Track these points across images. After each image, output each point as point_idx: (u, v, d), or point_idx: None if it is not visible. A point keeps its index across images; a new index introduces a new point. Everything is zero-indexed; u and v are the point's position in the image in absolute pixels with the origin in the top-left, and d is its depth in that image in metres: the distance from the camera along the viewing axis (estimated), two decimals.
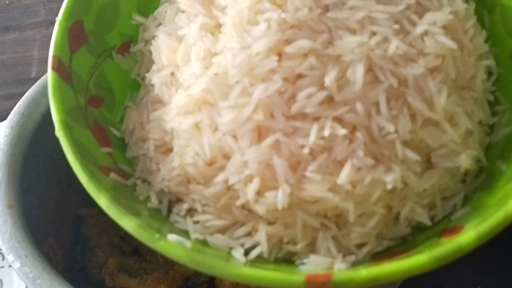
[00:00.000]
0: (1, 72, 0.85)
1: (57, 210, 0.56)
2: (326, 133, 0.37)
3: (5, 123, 0.52)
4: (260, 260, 0.38)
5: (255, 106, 0.38)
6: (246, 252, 0.38)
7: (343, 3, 0.39)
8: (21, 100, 0.53)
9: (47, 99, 0.53)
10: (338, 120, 0.38)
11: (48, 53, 0.69)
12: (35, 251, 0.43)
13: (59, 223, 0.56)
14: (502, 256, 0.64)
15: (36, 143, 0.52)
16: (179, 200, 0.42)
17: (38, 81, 0.54)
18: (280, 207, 0.37)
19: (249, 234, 0.39)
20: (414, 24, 0.39)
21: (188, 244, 0.36)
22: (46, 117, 0.52)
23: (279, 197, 0.37)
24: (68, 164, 0.57)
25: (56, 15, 0.93)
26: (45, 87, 0.52)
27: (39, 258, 0.43)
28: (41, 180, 0.53)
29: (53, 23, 0.93)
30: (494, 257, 0.64)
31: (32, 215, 0.48)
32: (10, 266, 0.61)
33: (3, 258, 0.64)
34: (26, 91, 0.53)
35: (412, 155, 0.38)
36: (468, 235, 0.35)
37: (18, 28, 0.89)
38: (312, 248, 0.39)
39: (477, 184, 0.42)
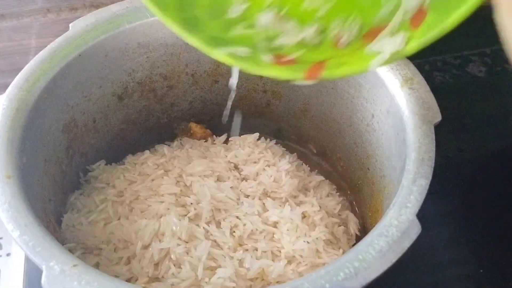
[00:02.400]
0: None
1: (57, 188, 0.55)
2: None
3: (3, 96, 0.51)
4: None
5: None
6: None
7: None
8: (19, 73, 0.52)
9: (46, 74, 0.52)
10: None
11: (45, 42, 0.69)
12: (34, 221, 0.42)
13: (59, 202, 0.56)
14: (504, 239, 0.64)
15: (35, 118, 0.51)
16: None
17: (37, 55, 0.54)
18: None
19: None
20: None
21: None
22: (45, 92, 0.52)
23: None
24: (66, 142, 0.57)
25: (53, 2, 0.92)
26: (44, 62, 0.52)
27: (39, 228, 0.42)
28: (40, 156, 0.52)
29: (50, 11, 0.92)
30: (496, 240, 0.64)
31: (32, 189, 0.48)
32: (7, 255, 0.62)
33: (1, 247, 0.62)
34: None
35: None
36: None
37: (14, 15, 0.88)
38: None
39: None
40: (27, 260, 0.61)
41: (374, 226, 0.56)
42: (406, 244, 0.40)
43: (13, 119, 0.48)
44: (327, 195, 0.60)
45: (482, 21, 0.84)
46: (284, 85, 0.64)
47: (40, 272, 0.60)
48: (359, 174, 0.62)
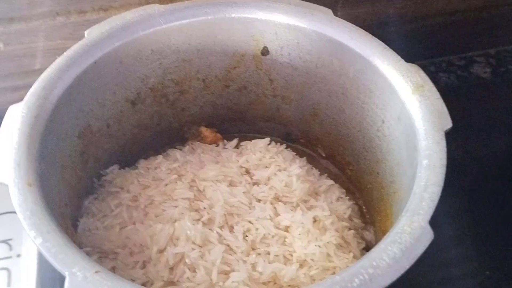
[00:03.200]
0: (6, 64, 0.84)
1: (72, 193, 0.56)
2: None
3: (20, 104, 0.51)
4: None
5: None
6: None
7: None
8: (36, 82, 0.53)
9: (63, 82, 0.53)
10: None
11: (54, 45, 0.68)
12: (56, 227, 0.43)
13: (74, 206, 0.56)
14: (509, 238, 0.65)
15: (53, 125, 0.52)
16: None
17: (54, 63, 0.54)
18: None
19: None
20: None
21: None
22: (62, 99, 0.53)
23: None
24: (81, 147, 0.58)
25: (62, 6, 0.92)
26: (61, 70, 0.53)
27: (61, 234, 0.43)
28: (57, 161, 0.53)
29: (59, 14, 0.93)
30: (502, 241, 0.65)
31: (51, 195, 0.48)
32: (17, 256, 0.63)
33: (11, 249, 0.63)
34: (31, 82, 0.53)
35: None
36: None
37: (23, 18, 0.88)
38: None
39: None
40: (40, 262, 0.62)
41: (383, 229, 0.57)
42: (419, 251, 0.41)
43: (32, 127, 0.49)
44: (337, 199, 0.61)
45: (486, 22, 0.85)
46: (294, 90, 0.65)
47: (53, 274, 0.62)
48: (368, 178, 0.63)
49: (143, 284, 0.50)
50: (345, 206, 0.60)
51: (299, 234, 0.55)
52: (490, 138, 0.79)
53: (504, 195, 0.70)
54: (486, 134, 0.78)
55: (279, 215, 0.57)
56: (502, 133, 0.79)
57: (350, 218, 0.59)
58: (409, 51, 0.57)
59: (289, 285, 0.52)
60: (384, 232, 0.57)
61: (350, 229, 0.58)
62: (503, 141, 0.80)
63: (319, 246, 0.53)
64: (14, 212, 0.66)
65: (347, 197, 0.63)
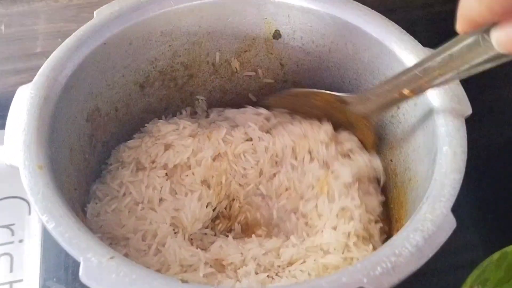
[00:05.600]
0: (7, 46, 0.83)
1: (80, 177, 0.55)
2: None
3: (29, 85, 0.50)
4: None
5: None
6: None
7: None
8: (45, 62, 0.51)
9: (72, 62, 0.52)
10: None
11: (55, 27, 0.67)
12: (68, 211, 0.42)
13: (83, 191, 0.55)
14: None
15: (62, 107, 0.50)
16: None
17: (62, 44, 0.53)
18: None
19: None
20: None
21: None
22: (71, 80, 0.51)
23: None
24: (90, 131, 0.56)
25: None
26: (70, 50, 0.52)
27: (74, 219, 0.41)
28: (66, 145, 0.52)
29: None
30: (506, 228, 0.64)
31: (60, 179, 0.47)
32: (20, 241, 0.62)
33: (13, 234, 0.63)
34: (33, 66, 0.52)
35: None
36: None
37: (25, 0, 0.87)
38: None
39: None
40: (44, 248, 0.61)
41: (396, 217, 0.56)
42: (442, 238, 0.40)
43: (41, 108, 0.48)
44: (369, 193, 0.59)
45: None
46: (306, 75, 0.64)
47: (57, 260, 0.61)
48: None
49: (157, 271, 0.49)
50: (376, 202, 0.58)
51: (323, 222, 0.54)
52: (497, 126, 0.78)
53: (510, 184, 0.69)
54: (493, 122, 0.77)
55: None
56: (509, 121, 0.79)
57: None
58: (416, 38, 0.56)
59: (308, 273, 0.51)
60: (397, 220, 0.56)
61: (376, 221, 0.56)
62: (511, 129, 0.79)
63: (342, 234, 0.53)
64: (16, 197, 0.66)
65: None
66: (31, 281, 0.58)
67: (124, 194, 0.56)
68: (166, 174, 0.58)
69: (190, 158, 0.57)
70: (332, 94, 0.57)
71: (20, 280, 0.59)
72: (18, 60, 0.80)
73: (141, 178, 0.57)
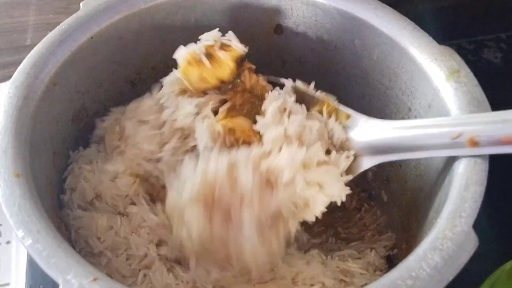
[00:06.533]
0: None
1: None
2: None
3: (8, 83, 0.46)
4: None
5: None
6: None
7: None
8: (26, 58, 0.48)
9: (55, 58, 0.48)
10: None
11: (44, 19, 0.64)
12: (47, 225, 0.38)
13: None
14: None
15: (44, 107, 0.47)
16: None
17: (45, 37, 0.49)
18: None
19: None
20: None
21: None
22: (54, 78, 0.48)
23: None
24: (76, 133, 0.53)
25: None
26: (53, 45, 0.48)
27: (53, 234, 0.37)
28: (49, 149, 0.48)
29: None
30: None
31: (41, 187, 0.43)
32: (7, 243, 0.59)
33: (0, 234, 0.60)
34: (22, 59, 0.49)
35: None
36: None
37: None
38: None
39: None
40: None
41: (404, 226, 0.53)
42: (463, 259, 0.36)
43: (21, 109, 0.44)
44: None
45: (498, 6, 0.81)
46: (309, 73, 0.60)
47: None
48: (388, 170, 0.58)
49: None
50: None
51: None
52: None
53: None
54: None
55: None
56: None
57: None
58: None
59: None
60: (406, 230, 0.52)
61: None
62: None
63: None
64: None
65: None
66: (18, 285, 0.56)
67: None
68: None
69: None
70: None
71: (7, 284, 0.56)
72: (6, 53, 0.79)
73: None
